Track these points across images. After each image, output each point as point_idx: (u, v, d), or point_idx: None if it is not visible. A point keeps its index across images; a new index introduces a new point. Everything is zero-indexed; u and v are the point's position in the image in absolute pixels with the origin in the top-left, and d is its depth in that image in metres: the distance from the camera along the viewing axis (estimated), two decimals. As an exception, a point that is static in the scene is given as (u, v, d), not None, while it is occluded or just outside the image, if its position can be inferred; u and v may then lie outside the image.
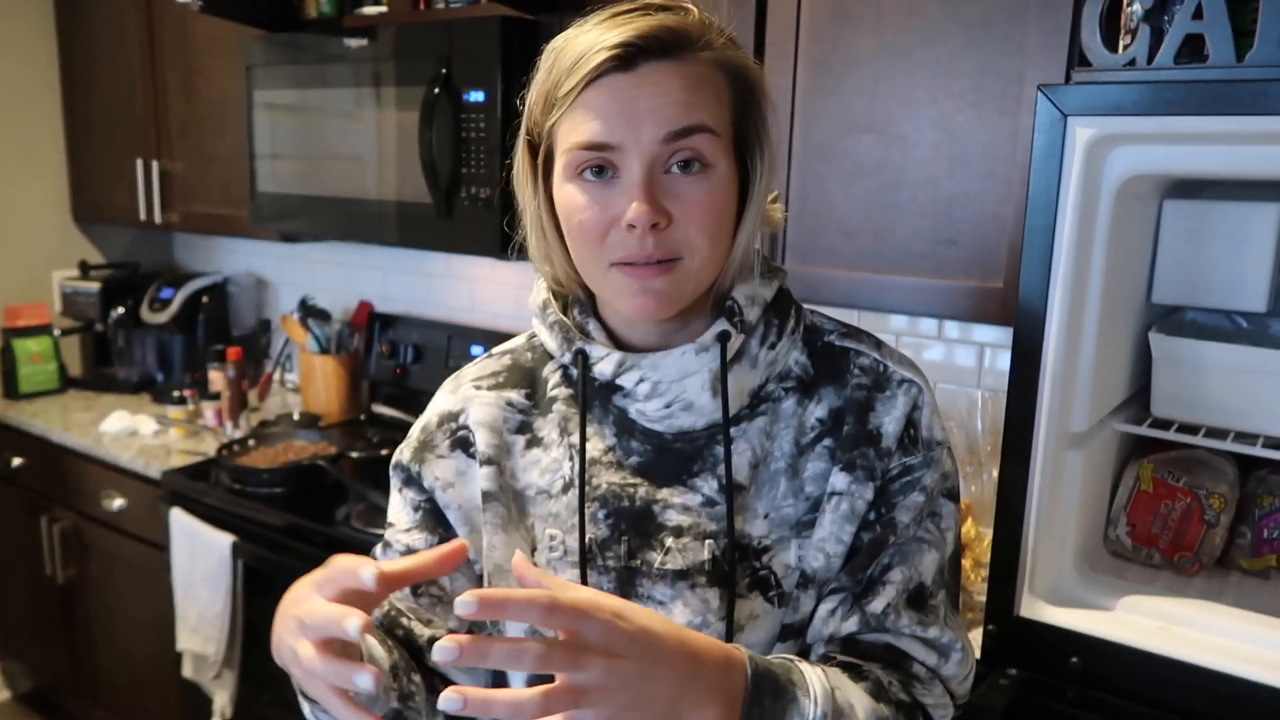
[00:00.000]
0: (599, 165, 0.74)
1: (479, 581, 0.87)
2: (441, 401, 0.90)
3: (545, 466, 0.85)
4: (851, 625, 0.79)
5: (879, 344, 0.86)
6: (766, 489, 0.81)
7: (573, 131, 0.74)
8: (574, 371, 0.84)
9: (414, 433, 0.90)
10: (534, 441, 0.86)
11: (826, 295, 1.66)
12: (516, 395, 0.87)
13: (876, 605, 0.79)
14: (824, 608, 0.80)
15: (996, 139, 1.46)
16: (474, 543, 0.86)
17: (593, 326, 0.83)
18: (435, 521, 0.89)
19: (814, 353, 0.85)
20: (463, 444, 0.87)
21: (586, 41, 0.74)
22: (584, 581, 0.81)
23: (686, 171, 0.74)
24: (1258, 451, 1.18)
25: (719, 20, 0.79)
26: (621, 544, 0.82)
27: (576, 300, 0.85)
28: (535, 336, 0.89)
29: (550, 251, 0.82)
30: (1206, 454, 1.29)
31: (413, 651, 0.86)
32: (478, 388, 0.88)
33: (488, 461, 0.85)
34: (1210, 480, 1.26)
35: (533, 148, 0.80)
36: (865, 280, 1.61)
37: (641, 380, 0.80)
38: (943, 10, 1.47)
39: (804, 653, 0.82)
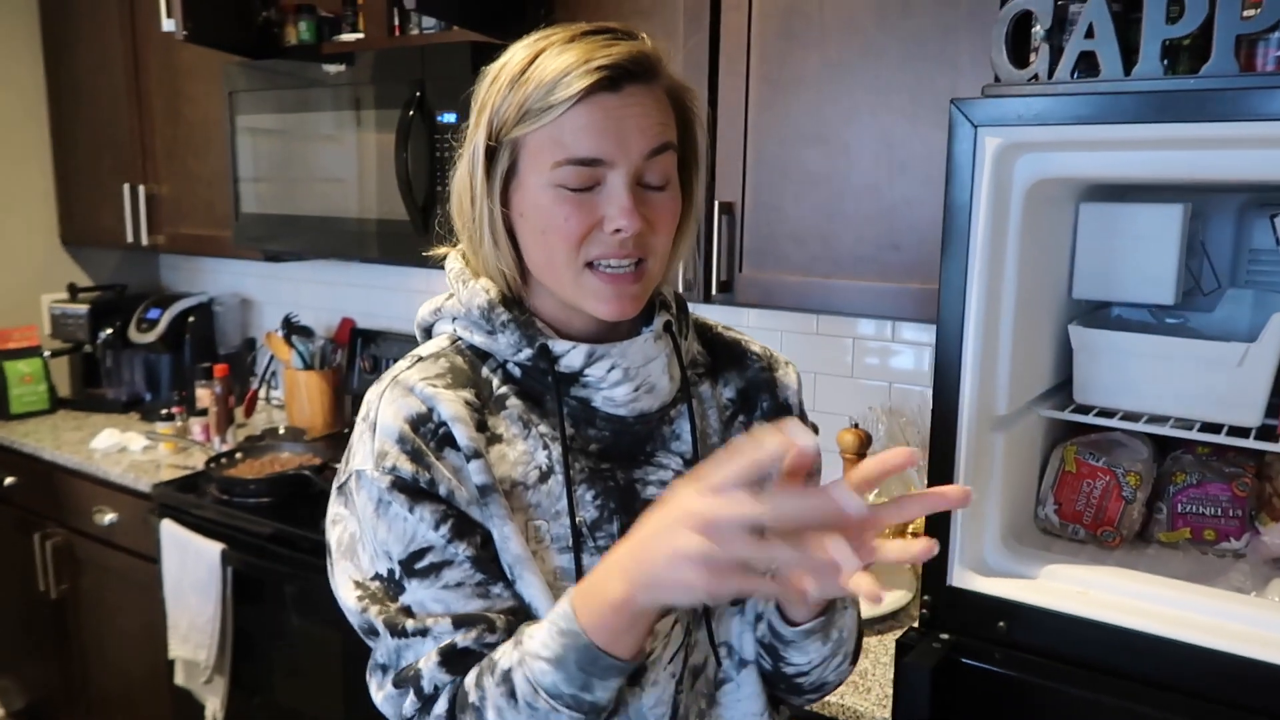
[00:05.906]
0: (585, 176, 0.80)
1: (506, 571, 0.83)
2: (402, 407, 0.83)
3: (515, 459, 0.85)
4: None
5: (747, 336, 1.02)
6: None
7: (559, 144, 0.79)
8: (527, 366, 0.87)
9: (389, 448, 0.81)
10: (494, 439, 0.85)
11: (780, 299, 1.76)
12: (469, 395, 0.86)
13: None
14: None
15: (932, 150, 1.56)
16: (485, 533, 0.83)
17: (540, 325, 0.88)
18: (469, 525, 0.82)
19: (705, 342, 0.99)
20: (449, 441, 0.83)
21: (567, 61, 0.79)
22: (578, 566, 0.83)
23: (654, 185, 0.83)
24: (1167, 431, 1.28)
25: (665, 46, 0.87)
26: (613, 523, 0.86)
27: (514, 303, 0.88)
28: (459, 341, 0.90)
29: (499, 256, 0.86)
30: (1124, 436, 1.39)
31: None
32: (434, 386, 0.84)
33: (475, 455, 0.83)
34: (1127, 460, 1.36)
35: (489, 155, 0.83)
36: (816, 284, 1.71)
37: (613, 368, 0.86)
38: (881, 29, 1.58)
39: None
